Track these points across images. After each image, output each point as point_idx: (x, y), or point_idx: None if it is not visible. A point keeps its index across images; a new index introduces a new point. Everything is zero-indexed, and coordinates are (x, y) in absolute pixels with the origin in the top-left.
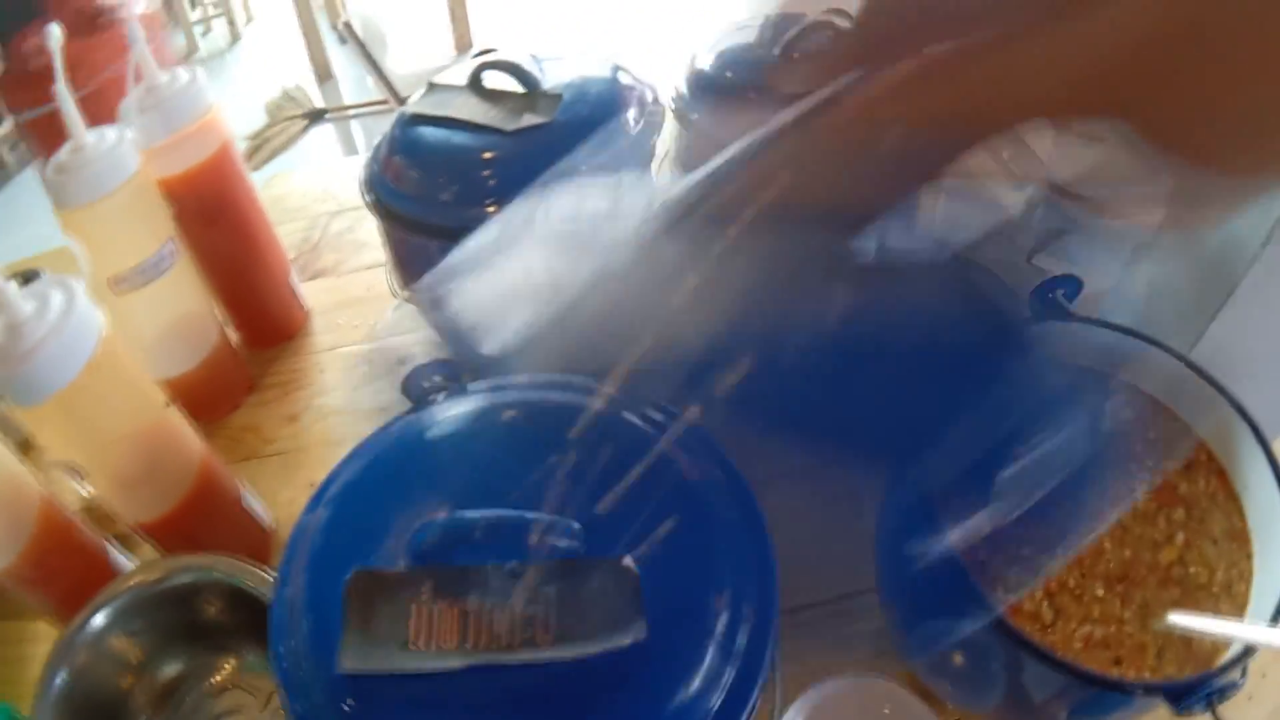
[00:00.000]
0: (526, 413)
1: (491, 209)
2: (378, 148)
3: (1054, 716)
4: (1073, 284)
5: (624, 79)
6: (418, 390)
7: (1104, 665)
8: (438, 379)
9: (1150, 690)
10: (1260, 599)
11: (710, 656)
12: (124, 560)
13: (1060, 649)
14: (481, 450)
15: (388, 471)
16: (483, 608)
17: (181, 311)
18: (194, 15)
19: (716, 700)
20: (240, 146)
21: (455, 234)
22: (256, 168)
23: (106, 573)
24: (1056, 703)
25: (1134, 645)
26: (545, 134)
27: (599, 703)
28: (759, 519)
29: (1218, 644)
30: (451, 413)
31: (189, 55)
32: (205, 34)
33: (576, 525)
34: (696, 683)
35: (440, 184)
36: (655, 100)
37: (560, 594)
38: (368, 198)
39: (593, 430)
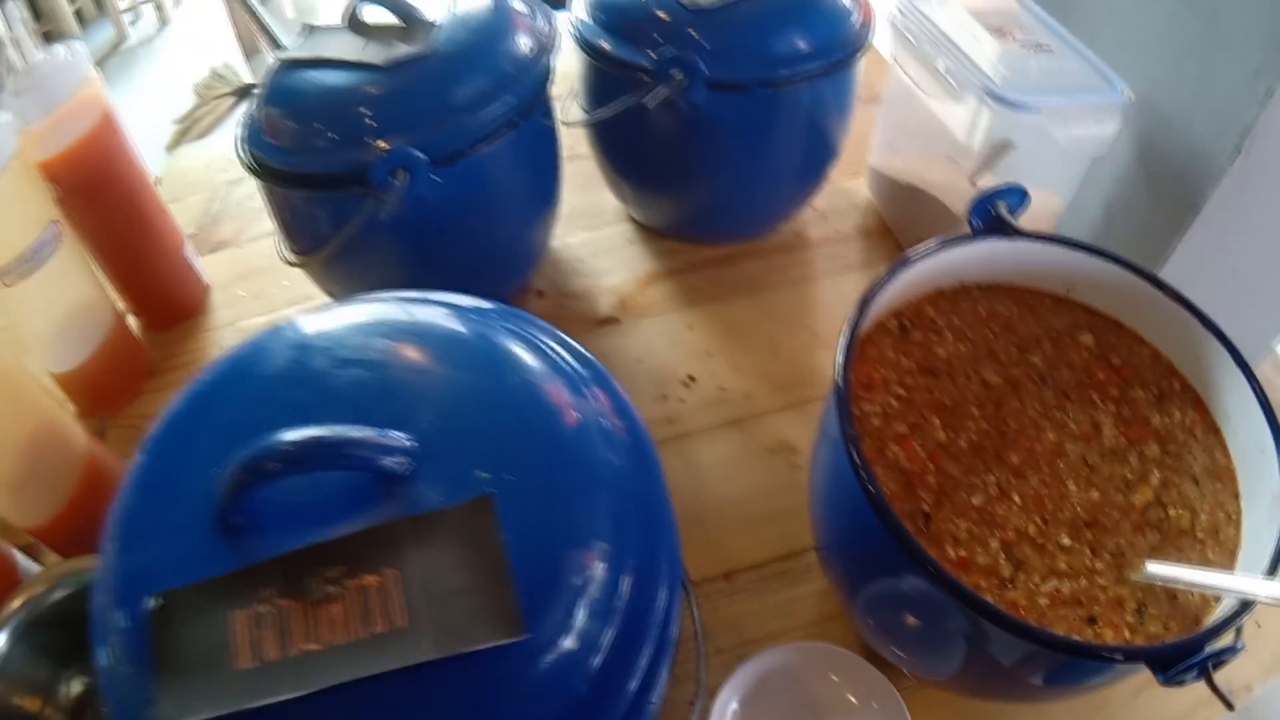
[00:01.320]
0: (378, 332)
1: (374, 150)
2: (250, 104)
3: (1023, 684)
4: (1015, 195)
5: (513, 3)
6: None
7: (1076, 625)
8: None
9: (1131, 656)
10: (1253, 544)
11: (581, 614)
12: (34, 569)
13: (1022, 608)
14: (317, 377)
15: (206, 415)
16: (311, 599)
17: (72, 298)
18: (122, 4)
19: (595, 660)
20: (171, 129)
21: (337, 182)
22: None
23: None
24: (1023, 670)
25: (1110, 600)
26: (423, 66)
27: (452, 661)
28: (650, 463)
29: (1207, 597)
30: (284, 338)
31: (119, 44)
32: (134, 22)
33: (409, 442)
34: (567, 642)
35: (316, 130)
36: (548, 23)
37: (407, 565)
38: (244, 158)
39: (454, 351)
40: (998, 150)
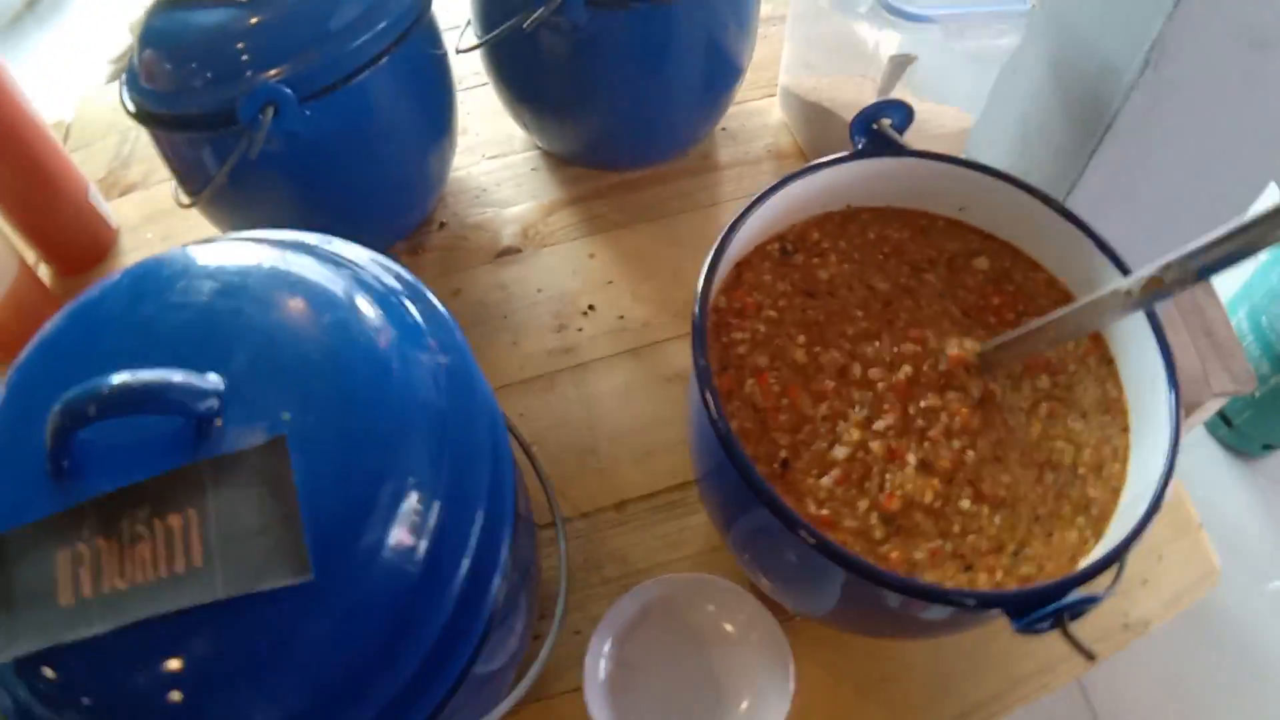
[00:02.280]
0: (210, 274)
1: (241, 88)
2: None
3: (896, 625)
4: (900, 111)
5: None
6: None
7: (952, 571)
8: None
9: (985, 603)
10: (1138, 479)
11: (378, 555)
12: None
13: (896, 556)
14: (147, 321)
15: (46, 361)
16: (121, 540)
17: None
18: None
19: (397, 603)
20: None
21: (210, 122)
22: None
23: None
24: (891, 612)
25: (990, 544)
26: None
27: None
28: (474, 399)
29: (1086, 536)
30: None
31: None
32: None
33: (219, 384)
34: (362, 584)
35: (187, 71)
36: None
37: (206, 506)
38: (126, 104)
39: (279, 292)
40: (899, 65)
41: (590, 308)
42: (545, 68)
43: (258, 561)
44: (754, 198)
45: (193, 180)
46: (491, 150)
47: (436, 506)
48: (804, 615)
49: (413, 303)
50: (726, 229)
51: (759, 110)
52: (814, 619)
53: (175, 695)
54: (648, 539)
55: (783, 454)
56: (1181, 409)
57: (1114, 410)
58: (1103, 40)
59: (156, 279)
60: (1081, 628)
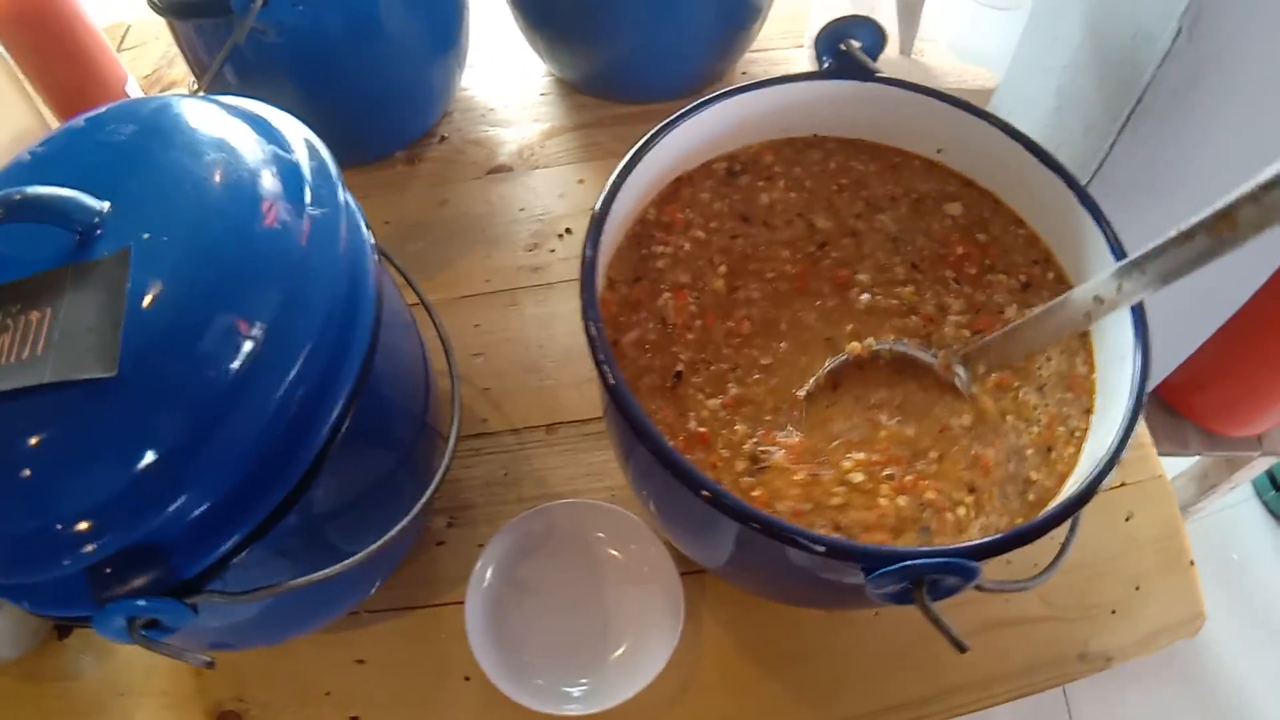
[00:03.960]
0: (143, 122)
1: None
2: None
3: (782, 585)
4: (867, 31)
5: None
6: None
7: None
8: None
9: (835, 550)
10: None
11: (192, 370)
12: None
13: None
14: (79, 153)
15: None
16: None
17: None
18: None
19: (204, 414)
20: None
21: (212, 8)
22: None
23: None
24: (764, 567)
25: (883, 519)
26: None
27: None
28: (332, 257)
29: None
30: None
31: None
32: None
33: (101, 205)
34: (166, 389)
35: None
36: None
37: (60, 306)
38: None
39: (187, 141)
40: (909, 7)
41: (567, 230)
42: None
43: (81, 355)
44: (690, 105)
45: (201, 71)
46: (504, 71)
47: (258, 333)
48: (700, 565)
49: (310, 167)
50: (649, 134)
51: (786, 60)
52: (712, 573)
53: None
54: (571, 464)
55: (679, 367)
56: (1146, 385)
57: (1078, 388)
58: (1140, 3)
59: (104, 120)
60: (1024, 645)
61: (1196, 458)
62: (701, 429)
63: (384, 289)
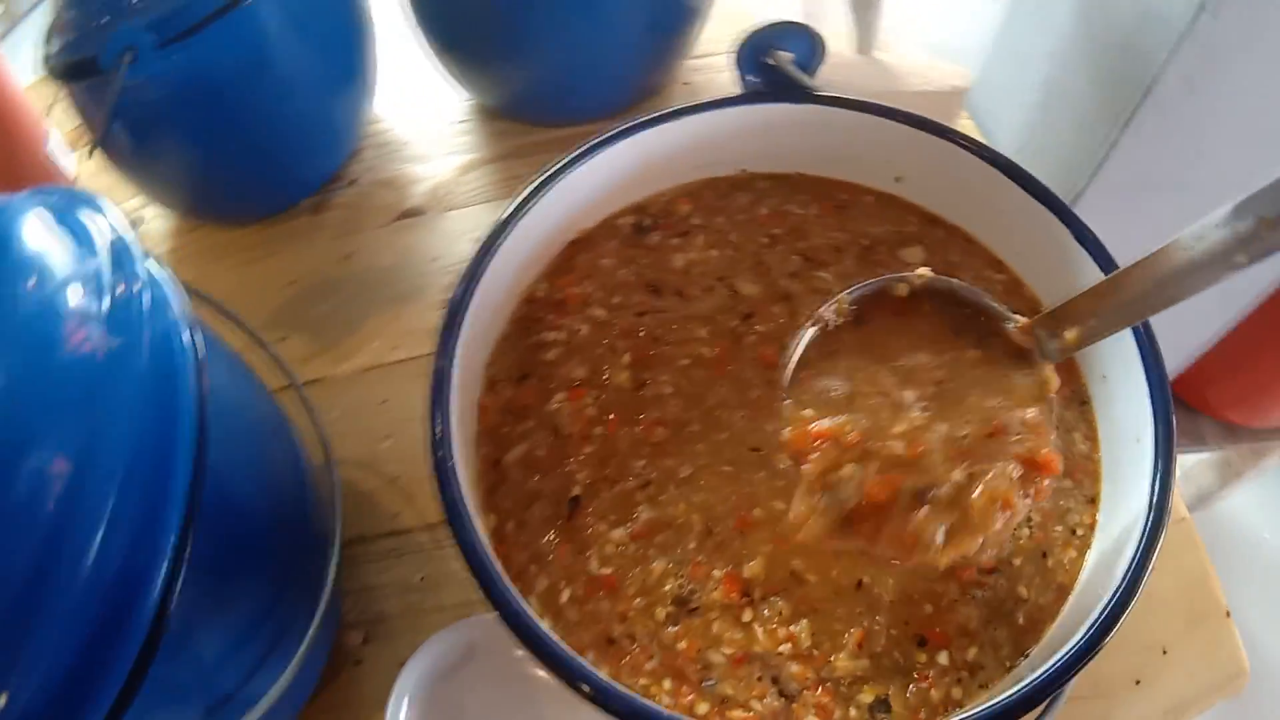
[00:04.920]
0: None
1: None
2: None
3: None
4: (800, 40)
5: None
6: None
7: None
8: None
9: None
10: (1095, 586)
11: None
12: None
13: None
14: None
15: None
16: None
17: None
18: None
19: None
20: None
21: (85, 70)
22: None
23: None
24: None
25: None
26: None
27: None
28: (144, 389)
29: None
30: None
31: None
32: None
33: None
34: None
35: (72, 19)
36: None
37: None
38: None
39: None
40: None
41: None
42: (466, 5)
43: None
44: (578, 150)
45: (95, 132)
46: (418, 102)
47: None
48: None
49: (110, 277)
50: (525, 191)
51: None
52: None
53: None
54: None
55: (575, 491)
56: (1172, 478)
57: (1081, 473)
58: None
59: None
60: None
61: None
62: (605, 570)
63: (236, 388)
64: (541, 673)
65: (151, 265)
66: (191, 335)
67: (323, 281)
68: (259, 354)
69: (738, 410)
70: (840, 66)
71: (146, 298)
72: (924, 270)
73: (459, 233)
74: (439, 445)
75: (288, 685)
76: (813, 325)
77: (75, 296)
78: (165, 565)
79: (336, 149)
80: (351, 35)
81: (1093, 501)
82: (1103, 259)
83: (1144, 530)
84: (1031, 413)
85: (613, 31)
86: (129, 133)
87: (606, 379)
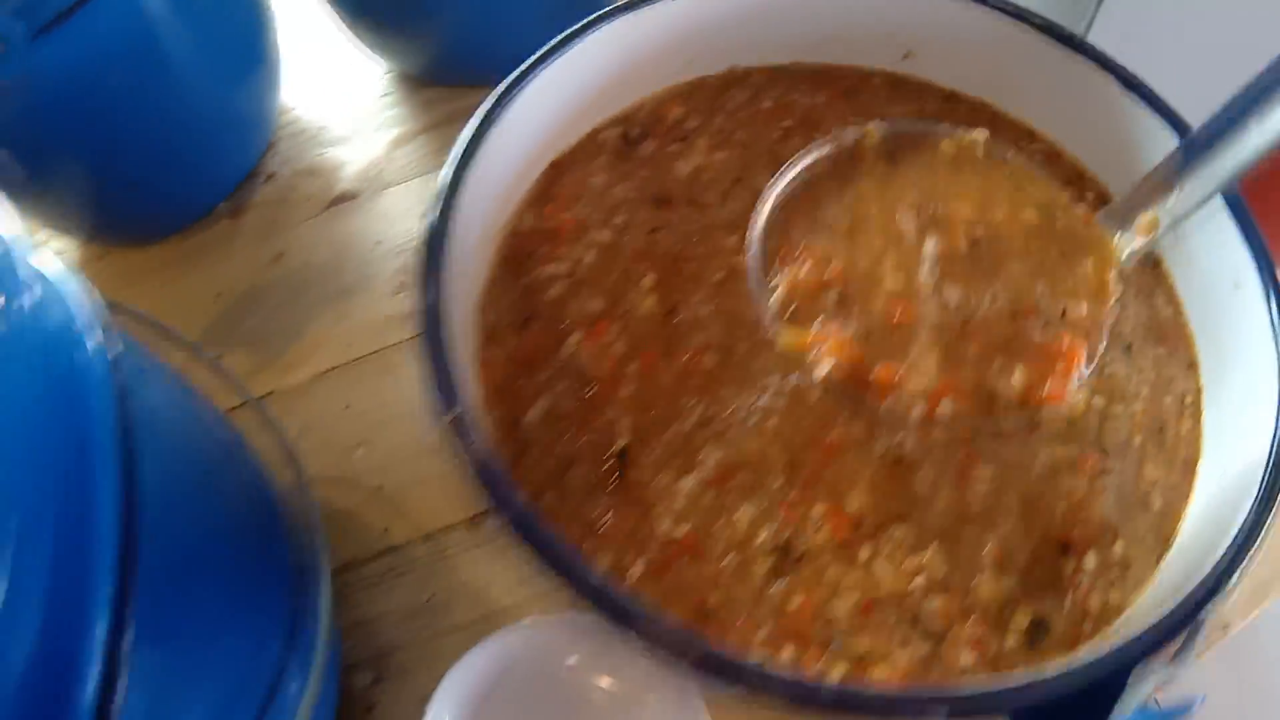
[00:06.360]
0: None
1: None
2: None
3: None
4: None
5: None
6: None
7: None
8: None
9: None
10: (1218, 447)
11: None
12: None
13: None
14: None
15: None
16: None
17: None
18: None
19: None
20: None
21: None
22: None
23: None
24: None
25: (953, 601)
26: None
27: None
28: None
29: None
30: None
31: None
32: None
33: None
34: None
35: None
36: None
37: None
38: None
39: None
40: None
41: None
42: None
43: None
44: (540, 53)
45: None
46: (336, 80)
47: None
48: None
49: None
50: (488, 105)
51: None
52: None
53: None
54: (511, 565)
55: (621, 442)
56: None
57: (1172, 338)
58: None
59: None
60: None
61: None
62: (681, 530)
63: (178, 410)
64: (604, 681)
65: (45, 260)
66: (104, 339)
67: (253, 288)
68: (200, 371)
69: None
70: None
71: (28, 298)
72: (980, 132)
73: (400, 211)
74: (441, 392)
75: None
76: (827, 144)
77: None
78: (98, 664)
79: (248, 143)
80: (250, 14)
81: (1192, 366)
82: (1157, 106)
83: None
84: (1084, 307)
85: None
86: (8, 147)
87: (628, 309)
